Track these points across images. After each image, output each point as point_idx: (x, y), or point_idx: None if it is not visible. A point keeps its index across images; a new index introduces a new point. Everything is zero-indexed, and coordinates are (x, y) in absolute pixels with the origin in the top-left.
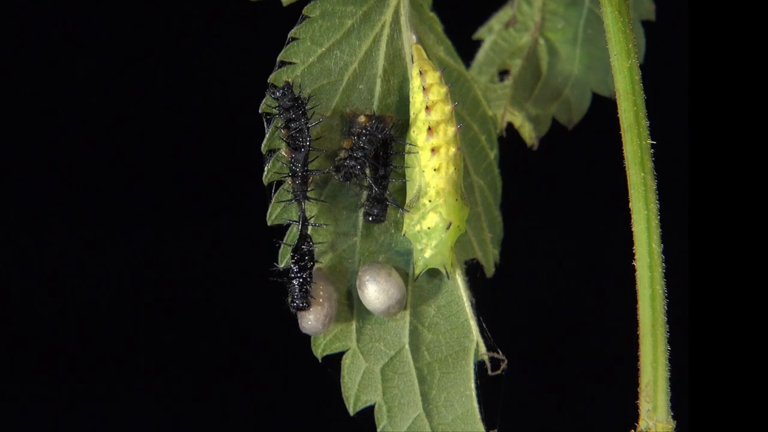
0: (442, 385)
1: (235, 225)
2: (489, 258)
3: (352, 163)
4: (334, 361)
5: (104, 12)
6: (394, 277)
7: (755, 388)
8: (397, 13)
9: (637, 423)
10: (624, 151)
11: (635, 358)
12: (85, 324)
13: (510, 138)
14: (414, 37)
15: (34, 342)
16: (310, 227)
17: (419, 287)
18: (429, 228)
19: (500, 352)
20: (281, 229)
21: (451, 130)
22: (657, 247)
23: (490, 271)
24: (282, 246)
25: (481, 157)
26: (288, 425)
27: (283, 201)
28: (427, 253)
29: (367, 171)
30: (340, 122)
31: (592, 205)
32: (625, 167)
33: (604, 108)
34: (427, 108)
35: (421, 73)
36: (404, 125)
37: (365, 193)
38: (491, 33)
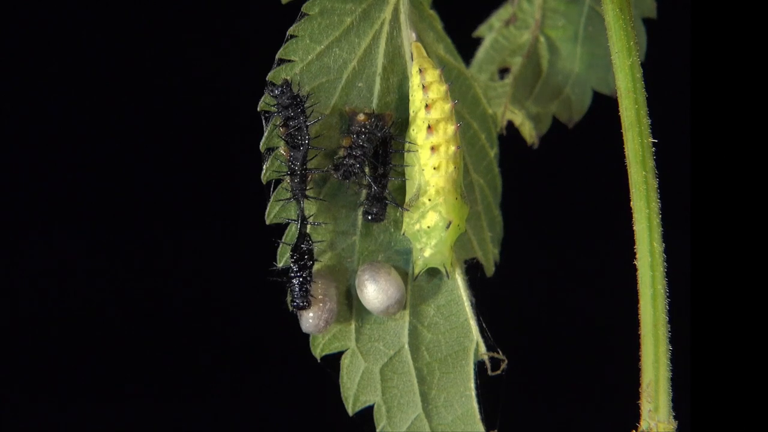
0: (441, 385)
1: (234, 224)
2: (489, 257)
3: (351, 161)
4: (333, 361)
5: (103, 11)
6: (393, 276)
7: (757, 388)
8: (396, 10)
9: (639, 423)
10: (625, 150)
11: (636, 358)
12: (84, 324)
13: (510, 136)
14: (413, 35)
15: (34, 343)
16: (309, 226)
17: (419, 287)
18: (429, 227)
19: (500, 352)
20: (280, 228)
21: (451, 128)
22: (658, 246)
23: (490, 270)
24: (281, 245)
25: (481, 156)
26: (287, 425)
27: (282, 200)
28: (427, 252)
29: (367, 169)
30: (339, 120)
31: (593, 204)
32: (626, 166)
33: (605, 106)
34: (426, 106)
35: (420, 70)
36: (404, 123)
37: (364, 191)
38: (491, 31)
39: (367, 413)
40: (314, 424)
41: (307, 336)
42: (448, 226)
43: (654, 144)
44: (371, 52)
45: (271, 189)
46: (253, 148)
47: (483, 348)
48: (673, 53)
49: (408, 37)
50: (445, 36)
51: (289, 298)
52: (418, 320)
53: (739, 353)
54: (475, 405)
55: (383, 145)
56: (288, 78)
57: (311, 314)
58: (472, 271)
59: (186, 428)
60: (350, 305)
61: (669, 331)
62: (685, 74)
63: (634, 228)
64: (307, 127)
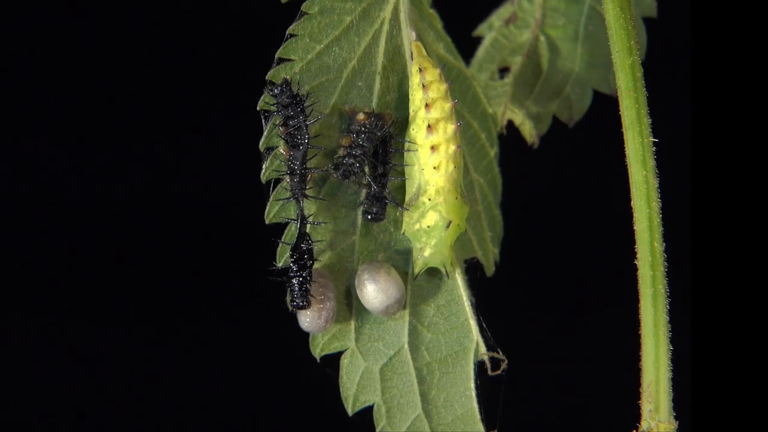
0: (441, 385)
1: (234, 223)
2: (489, 257)
3: (351, 160)
4: (333, 360)
5: (103, 10)
6: (393, 276)
7: (757, 388)
8: (396, 9)
9: (639, 423)
10: (625, 149)
11: (637, 358)
12: (83, 323)
13: (510, 136)
14: (413, 34)
15: (33, 339)
16: (308, 225)
17: (419, 286)
18: (428, 226)
19: (500, 352)
20: (280, 228)
21: (451, 127)
22: (659, 246)
23: (490, 270)
24: (281, 245)
25: (481, 155)
26: (287, 425)
27: (282, 199)
28: (427, 252)
29: (366, 169)
30: (338, 120)
31: (593, 203)
32: (626, 165)
33: (605, 105)
34: (426, 105)
35: (420, 70)
36: (404, 123)
37: (364, 191)
38: (491, 30)
39: (367, 413)
40: (314, 424)
41: (306, 336)
42: (448, 226)
43: (654, 143)
44: (371, 51)
45: (271, 188)
46: (252, 147)
47: (483, 348)
48: (673, 52)
49: (408, 36)
50: (445, 35)
51: (288, 298)
52: (418, 320)
53: (739, 353)
54: (475, 405)
55: (383, 144)
56: (287, 77)
57: (310, 314)
58: (472, 271)
59: (185, 428)
60: (350, 305)
61: (669, 331)
62: (686, 73)
63: (635, 228)
64: (306, 126)
